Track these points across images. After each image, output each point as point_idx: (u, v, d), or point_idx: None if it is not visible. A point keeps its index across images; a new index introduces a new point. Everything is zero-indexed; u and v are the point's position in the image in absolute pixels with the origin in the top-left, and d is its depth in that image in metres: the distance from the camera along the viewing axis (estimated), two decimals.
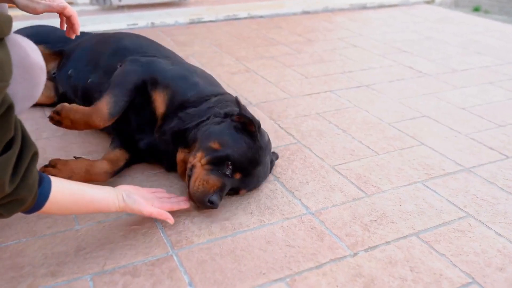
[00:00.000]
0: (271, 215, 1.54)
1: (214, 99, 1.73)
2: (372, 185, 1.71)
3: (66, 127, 1.63)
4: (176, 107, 1.69)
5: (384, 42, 3.50)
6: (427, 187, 1.71)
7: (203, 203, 1.46)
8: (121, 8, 4.24)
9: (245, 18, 4.11)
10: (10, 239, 1.39)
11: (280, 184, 1.71)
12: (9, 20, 0.98)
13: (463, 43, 3.53)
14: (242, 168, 1.52)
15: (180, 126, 1.65)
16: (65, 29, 1.55)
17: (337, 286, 1.26)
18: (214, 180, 1.47)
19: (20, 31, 2.19)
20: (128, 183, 1.67)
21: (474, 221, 1.54)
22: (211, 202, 1.44)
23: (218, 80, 2.00)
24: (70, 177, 1.55)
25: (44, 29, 2.31)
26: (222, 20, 4.01)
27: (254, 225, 1.49)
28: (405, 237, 1.45)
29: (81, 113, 1.61)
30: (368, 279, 1.28)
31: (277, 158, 1.81)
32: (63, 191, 1.18)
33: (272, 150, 1.74)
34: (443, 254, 1.38)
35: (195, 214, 1.53)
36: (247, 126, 1.57)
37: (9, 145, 0.99)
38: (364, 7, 4.61)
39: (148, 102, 1.72)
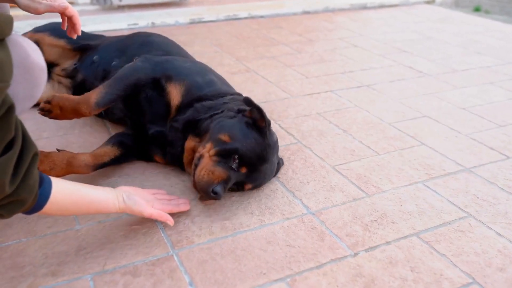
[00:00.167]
0: (271, 215, 1.54)
1: (229, 97, 1.77)
2: (373, 185, 1.71)
3: (56, 115, 1.66)
4: (192, 100, 1.72)
5: (385, 42, 3.50)
6: (428, 187, 1.71)
7: (206, 193, 1.47)
8: (122, 8, 4.24)
9: (245, 18, 4.11)
10: (11, 238, 1.39)
11: (281, 184, 1.71)
12: (10, 21, 0.98)
13: (463, 43, 3.53)
14: (249, 162, 1.53)
15: (194, 115, 1.68)
16: (66, 29, 1.55)
17: (337, 286, 1.26)
18: (219, 171, 1.48)
19: (43, 27, 2.24)
20: (129, 184, 1.67)
21: (474, 221, 1.54)
22: (215, 193, 1.45)
23: None
24: (51, 169, 1.57)
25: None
26: (222, 20, 4.01)
27: (254, 225, 1.49)
28: (405, 237, 1.45)
29: (71, 100, 1.64)
30: (368, 279, 1.28)
31: (283, 163, 1.81)
32: (64, 192, 1.18)
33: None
34: (443, 254, 1.39)
35: (196, 214, 1.53)
36: (258, 122, 1.60)
37: (9, 146, 0.99)
38: (364, 7, 4.61)
39: (162, 95, 1.75)
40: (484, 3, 5.64)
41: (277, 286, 1.25)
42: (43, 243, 1.38)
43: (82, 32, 2.23)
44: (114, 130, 2.06)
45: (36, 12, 1.38)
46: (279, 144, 1.98)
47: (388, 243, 1.42)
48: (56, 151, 1.64)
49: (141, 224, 1.47)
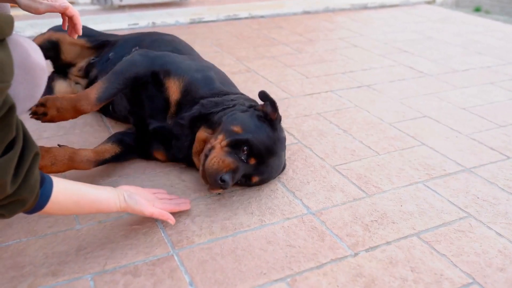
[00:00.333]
0: (271, 215, 1.54)
1: (234, 95, 1.79)
2: (373, 185, 1.71)
3: (51, 117, 1.62)
4: (194, 97, 1.73)
5: (385, 42, 3.50)
6: (428, 187, 1.71)
7: (215, 181, 1.48)
8: (122, 8, 4.24)
9: (246, 18, 4.11)
10: (11, 238, 1.40)
11: (281, 184, 1.71)
12: (10, 21, 0.98)
13: (464, 43, 3.53)
14: (258, 154, 1.55)
15: (202, 110, 1.70)
16: (66, 29, 1.55)
17: (337, 286, 1.26)
18: (229, 161, 1.50)
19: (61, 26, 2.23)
20: (129, 183, 1.67)
21: (474, 222, 1.54)
22: (222, 181, 1.46)
23: None
24: (52, 164, 1.57)
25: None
26: (223, 20, 4.01)
27: (255, 225, 1.49)
28: (405, 237, 1.45)
29: (68, 99, 1.63)
30: (368, 279, 1.28)
31: (284, 167, 1.79)
32: (65, 191, 1.18)
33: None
34: (443, 254, 1.39)
35: (196, 214, 1.53)
36: (269, 115, 1.64)
37: (10, 146, 0.99)
38: (365, 7, 4.61)
39: (161, 91, 1.76)
40: (484, 3, 5.64)
41: (278, 286, 1.25)
42: (44, 243, 1.38)
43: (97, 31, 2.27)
44: (114, 129, 2.06)
45: (37, 12, 1.38)
46: None
47: (388, 243, 1.43)
48: (57, 146, 1.63)
49: (142, 224, 1.47)
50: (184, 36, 3.49)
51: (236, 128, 1.58)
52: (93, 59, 2.18)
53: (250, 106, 1.70)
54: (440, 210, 1.58)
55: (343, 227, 1.49)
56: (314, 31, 3.77)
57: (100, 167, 1.74)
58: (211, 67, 1.93)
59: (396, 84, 2.69)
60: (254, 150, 1.54)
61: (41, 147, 1.59)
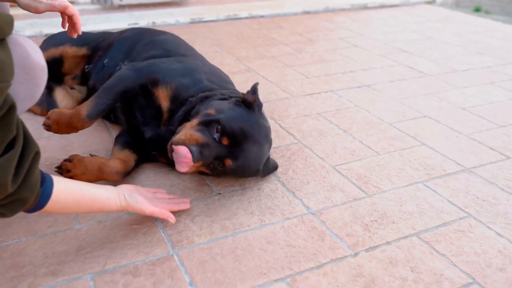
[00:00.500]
0: (271, 215, 1.54)
1: (225, 91, 1.77)
2: (373, 185, 1.71)
3: (54, 131, 1.67)
4: (182, 100, 1.72)
5: (385, 42, 3.50)
6: (428, 187, 1.71)
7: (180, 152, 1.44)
8: (122, 7, 4.24)
9: (246, 18, 4.11)
10: (11, 238, 1.40)
11: (281, 184, 1.71)
12: (10, 20, 0.98)
13: (464, 43, 3.53)
14: (231, 134, 1.50)
15: (187, 108, 1.69)
16: (66, 28, 1.54)
17: (337, 286, 1.26)
18: (198, 135, 1.47)
19: (56, 39, 2.20)
20: (129, 183, 1.67)
21: (474, 222, 1.54)
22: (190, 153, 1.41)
23: None
24: (83, 173, 1.58)
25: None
26: (223, 20, 4.01)
27: (254, 225, 1.49)
28: (405, 237, 1.45)
29: (64, 115, 1.65)
30: (368, 279, 1.28)
31: (276, 168, 1.77)
32: (65, 190, 1.18)
33: (271, 157, 1.74)
34: (443, 254, 1.39)
35: (196, 214, 1.53)
36: (248, 101, 1.62)
37: (11, 145, 0.99)
38: (365, 7, 4.61)
39: (152, 100, 1.75)
40: (484, 3, 5.64)
41: (277, 286, 1.25)
42: (43, 243, 1.38)
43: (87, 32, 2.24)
44: (114, 129, 2.06)
45: (36, 11, 1.38)
46: (279, 144, 1.98)
47: (388, 243, 1.42)
48: (89, 156, 1.64)
49: (142, 224, 1.47)
50: (184, 36, 3.49)
51: (210, 111, 1.57)
52: (87, 67, 2.16)
53: (231, 97, 1.69)
54: (440, 210, 1.58)
55: (343, 227, 1.49)
56: (314, 31, 3.77)
57: None
58: (199, 66, 1.89)
59: (396, 84, 2.69)
60: (227, 129, 1.50)
61: (75, 156, 1.62)
